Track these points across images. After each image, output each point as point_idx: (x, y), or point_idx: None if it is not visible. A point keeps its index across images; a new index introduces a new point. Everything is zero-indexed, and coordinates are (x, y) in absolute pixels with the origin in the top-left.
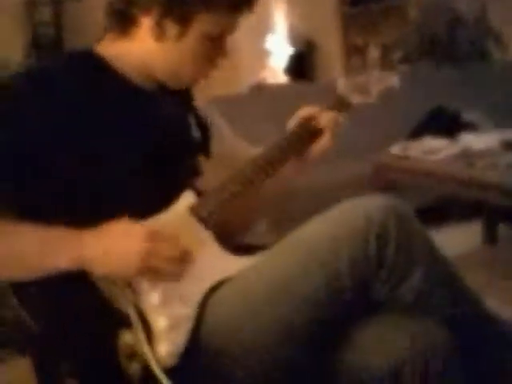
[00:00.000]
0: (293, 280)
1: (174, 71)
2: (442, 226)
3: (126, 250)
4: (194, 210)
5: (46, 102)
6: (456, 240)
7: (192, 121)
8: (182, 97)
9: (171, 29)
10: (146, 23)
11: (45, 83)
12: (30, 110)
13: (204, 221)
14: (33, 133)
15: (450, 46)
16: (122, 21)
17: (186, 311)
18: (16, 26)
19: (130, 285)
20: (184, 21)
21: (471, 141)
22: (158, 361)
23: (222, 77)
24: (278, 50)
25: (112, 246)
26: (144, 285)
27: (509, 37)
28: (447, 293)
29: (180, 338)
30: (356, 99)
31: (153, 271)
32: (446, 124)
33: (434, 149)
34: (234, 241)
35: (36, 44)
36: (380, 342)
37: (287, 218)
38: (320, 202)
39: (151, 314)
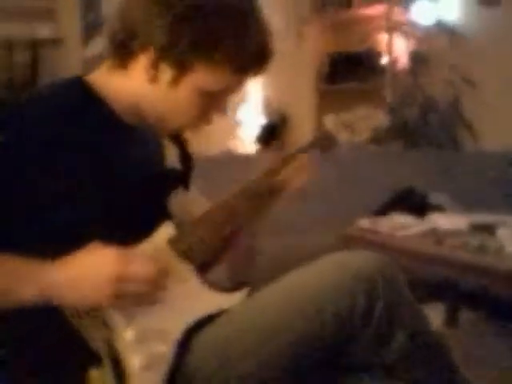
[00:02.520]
0: (274, 331)
1: (162, 117)
2: None
3: (95, 274)
4: (173, 243)
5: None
6: None
7: (175, 152)
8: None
9: (165, 73)
10: (143, 60)
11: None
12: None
13: (184, 254)
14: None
15: (421, 131)
16: (121, 52)
17: (164, 349)
18: None
19: (102, 319)
20: (180, 68)
21: (440, 220)
22: None
23: (191, 139)
24: (250, 120)
25: (80, 271)
26: (118, 319)
27: (480, 127)
28: (428, 359)
29: (156, 379)
30: (344, 137)
31: (125, 297)
32: (413, 204)
33: (403, 225)
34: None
35: (11, 85)
36: None
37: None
38: (283, 269)
39: (125, 351)
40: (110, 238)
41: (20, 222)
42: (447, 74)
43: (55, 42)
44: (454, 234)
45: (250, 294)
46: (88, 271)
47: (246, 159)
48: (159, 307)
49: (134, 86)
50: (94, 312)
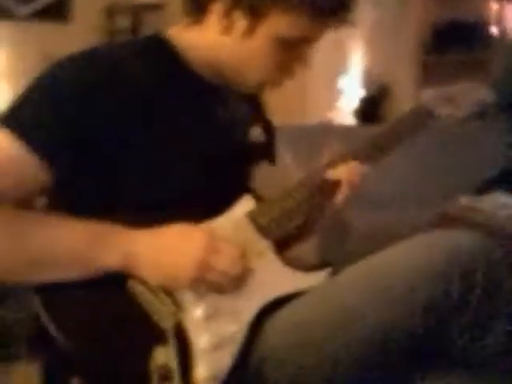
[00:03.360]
0: (359, 317)
1: (240, 70)
2: None
3: (182, 254)
4: (252, 217)
5: (114, 88)
6: None
7: (258, 123)
8: (250, 97)
9: (240, 22)
10: (216, 11)
11: (115, 68)
12: (98, 93)
13: (263, 229)
14: (97, 117)
15: None
16: (195, 6)
17: (234, 330)
18: (95, 34)
19: (171, 294)
20: (255, 15)
21: None
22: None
23: (287, 108)
24: (350, 92)
25: (167, 247)
26: (188, 296)
27: None
28: None
29: (224, 360)
30: (444, 110)
31: (206, 283)
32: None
33: (506, 205)
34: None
35: None
36: None
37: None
38: (375, 248)
39: (193, 329)
40: (187, 209)
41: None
42: None
43: (156, 8)
44: None
45: (332, 275)
46: (176, 248)
47: (345, 131)
48: None
49: (210, 39)
50: (167, 288)
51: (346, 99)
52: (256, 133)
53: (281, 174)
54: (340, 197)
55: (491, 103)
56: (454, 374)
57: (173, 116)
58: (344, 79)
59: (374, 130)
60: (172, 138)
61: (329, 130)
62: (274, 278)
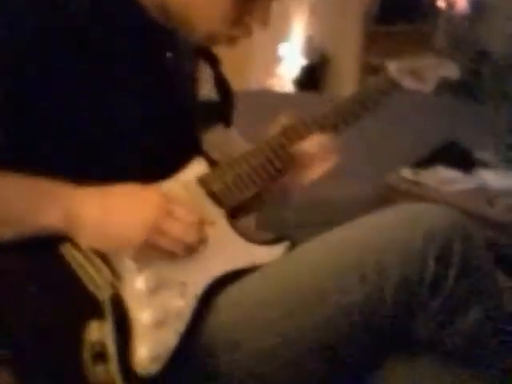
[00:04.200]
0: (322, 293)
1: (189, 16)
2: None
3: (132, 214)
4: (204, 182)
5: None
6: None
7: (213, 81)
8: (207, 53)
9: None
10: None
11: None
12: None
13: (216, 196)
14: (27, 42)
15: (473, 83)
16: None
17: (181, 304)
18: None
19: (110, 263)
20: None
21: (488, 178)
22: (136, 366)
23: (226, 72)
24: (290, 60)
25: (116, 207)
26: (129, 264)
27: None
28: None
29: (168, 339)
30: (409, 84)
31: (155, 250)
32: (456, 159)
33: (449, 180)
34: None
35: None
36: None
37: (279, 223)
38: (317, 216)
39: (133, 302)
40: (133, 169)
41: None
42: (506, 26)
43: None
44: (506, 194)
45: (290, 249)
46: (125, 208)
47: (283, 98)
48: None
49: None
50: (105, 255)
51: (287, 66)
52: (208, 91)
53: (229, 143)
54: (316, 171)
55: (455, 79)
56: (421, 360)
57: (112, 53)
58: (285, 47)
59: (315, 97)
60: (112, 76)
61: (271, 97)
62: (227, 249)
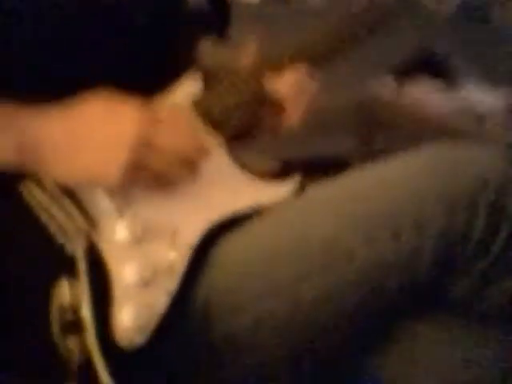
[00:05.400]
0: (343, 253)
1: None
2: None
3: (109, 132)
4: (199, 105)
5: None
6: None
7: None
8: None
9: None
10: None
11: None
12: None
13: (214, 122)
14: None
15: None
16: None
17: (172, 256)
18: None
19: (83, 206)
20: None
21: (473, 95)
22: (117, 335)
23: None
24: None
25: (88, 124)
26: (108, 207)
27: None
28: None
29: (157, 300)
30: (429, 3)
31: (145, 171)
32: (434, 66)
33: (433, 91)
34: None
35: None
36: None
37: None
38: None
39: (113, 256)
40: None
41: None
42: None
43: None
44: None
45: (302, 187)
46: (99, 126)
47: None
48: (170, 195)
49: None
50: (77, 196)
51: None
52: None
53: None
54: (294, 116)
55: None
56: (451, 323)
57: None
58: None
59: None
60: None
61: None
62: (226, 186)
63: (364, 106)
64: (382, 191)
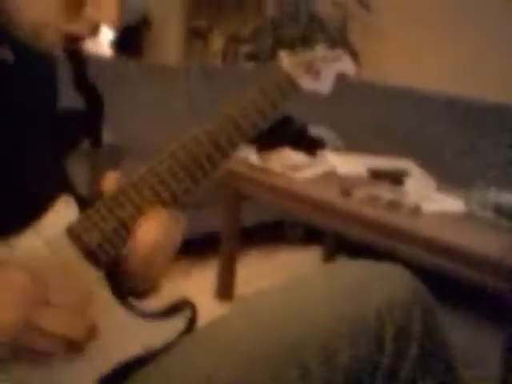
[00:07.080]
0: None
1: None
2: (281, 246)
3: None
4: (75, 233)
5: None
6: (295, 262)
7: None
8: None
9: None
10: None
11: None
12: None
13: (92, 254)
14: None
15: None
16: None
17: None
18: None
19: None
20: None
21: (335, 161)
22: None
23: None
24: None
25: None
26: None
27: (367, 56)
28: None
29: None
30: (307, 84)
31: (27, 351)
32: (292, 135)
33: (296, 164)
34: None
35: None
36: None
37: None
38: None
39: None
40: None
41: None
42: None
43: None
44: (358, 182)
45: (192, 320)
46: None
47: (100, 63)
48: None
49: None
50: None
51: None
52: (70, 99)
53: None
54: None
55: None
56: None
57: None
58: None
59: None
60: None
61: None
62: (116, 330)
63: (225, 183)
64: (285, 326)
